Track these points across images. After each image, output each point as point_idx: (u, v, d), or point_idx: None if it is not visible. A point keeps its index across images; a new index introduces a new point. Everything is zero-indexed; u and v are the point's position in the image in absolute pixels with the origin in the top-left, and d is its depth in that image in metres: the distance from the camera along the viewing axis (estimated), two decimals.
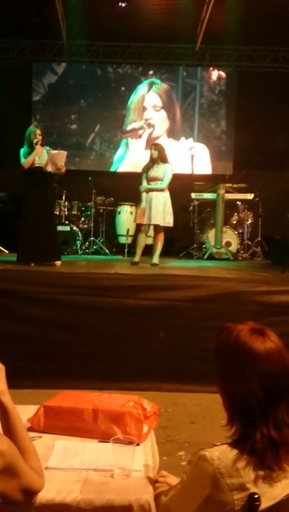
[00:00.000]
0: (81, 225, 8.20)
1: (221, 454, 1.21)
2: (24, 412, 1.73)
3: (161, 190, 5.97)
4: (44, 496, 1.29)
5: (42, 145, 5.59)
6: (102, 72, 9.53)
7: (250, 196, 7.89)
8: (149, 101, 9.46)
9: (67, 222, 7.89)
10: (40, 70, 9.43)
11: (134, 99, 9.47)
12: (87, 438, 1.66)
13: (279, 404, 1.23)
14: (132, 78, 9.53)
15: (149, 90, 9.46)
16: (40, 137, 5.56)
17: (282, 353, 1.26)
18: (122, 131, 9.47)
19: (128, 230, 7.81)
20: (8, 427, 1.29)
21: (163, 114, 9.46)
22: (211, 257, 7.50)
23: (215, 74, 9.52)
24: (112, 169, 9.45)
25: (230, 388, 1.27)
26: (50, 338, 4.15)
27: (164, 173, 5.97)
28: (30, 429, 1.68)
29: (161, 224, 5.98)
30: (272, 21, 7.85)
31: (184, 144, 9.46)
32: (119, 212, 8.12)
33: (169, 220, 6.03)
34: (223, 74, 9.50)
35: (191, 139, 9.48)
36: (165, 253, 8.03)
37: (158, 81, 9.47)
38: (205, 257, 7.50)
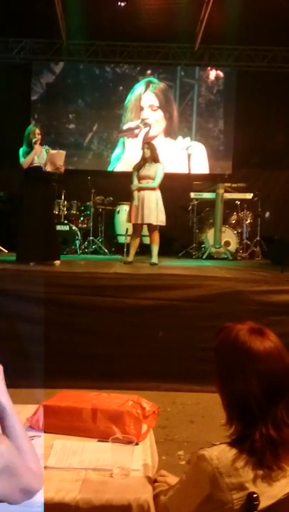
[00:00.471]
0: (80, 225, 8.19)
1: (220, 453, 1.21)
2: (23, 412, 1.73)
3: (153, 189, 6.02)
4: (43, 495, 1.29)
5: (41, 144, 5.58)
6: (100, 71, 9.53)
7: (249, 196, 7.89)
8: (145, 100, 9.46)
9: (66, 221, 7.88)
10: (38, 70, 9.43)
11: (131, 98, 9.47)
12: (86, 437, 1.66)
13: (278, 404, 1.23)
14: (129, 78, 9.53)
15: (146, 90, 9.46)
16: (40, 137, 5.56)
17: (281, 352, 1.26)
18: (118, 130, 9.48)
19: (127, 229, 7.79)
20: (6, 427, 1.29)
21: (160, 113, 9.46)
22: (210, 257, 7.50)
23: (213, 74, 9.52)
24: (110, 169, 9.44)
25: (230, 388, 1.27)
26: (49, 337, 4.14)
27: (156, 172, 6.02)
28: (29, 429, 1.68)
29: (154, 223, 6.02)
30: (272, 21, 7.85)
31: (181, 143, 9.46)
32: (118, 212, 8.12)
33: (161, 219, 6.07)
34: (221, 74, 9.51)
35: (188, 138, 9.48)
36: (164, 253, 8.03)
37: (155, 80, 9.47)
38: (204, 256, 7.51)
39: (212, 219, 7.83)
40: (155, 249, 6.17)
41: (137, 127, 9.42)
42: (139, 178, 6.06)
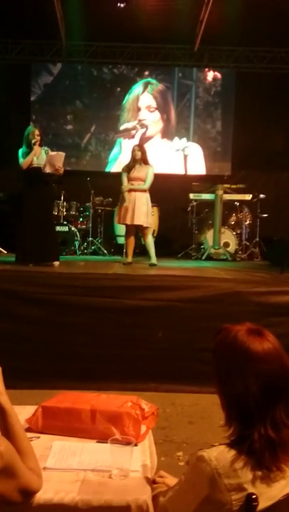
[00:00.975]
0: (79, 226, 8.20)
1: (219, 454, 1.21)
2: (22, 413, 1.73)
3: (144, 190, 6.08)
4: (42, 496, 1.29)
5: (40, 145, 5.59)
6: (98, 72, 9.55)
7: (248, 197, 7.90)
8: (143, 101, 9.47)
9: (65, 222, 7.88)
10: (37, 71, 9.43)
11: (129, 98, 9.49)
12: (85, 438, 1.66)
13: (277, 405, 1.23)
14: (127, 79, 9.55)
15: (144, 91, 9.48)
16: (39, 137, 5.56)
17: (280, 353, 1.27)
18: (115, 131, 9.48)
19: None
20: (6, 428, 1.29)
21: (157, 114, 9.48)
22: (210, 258, 7.51)
23: (210, 75, 9.54)
24: (108, 169, 9.45)
25: (228, 389, 1.27)
26: (48, 338, 4.15)
27: (147, 174, 6.06)
28: (28, 430, 1.68)
29: (145, 225, 6.07)
30: (271, 22, 7.86)
31: (178, 144, 9.47)
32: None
33: (150, 221, 6.21)
34: (218, 75, 9.52)
35: (184, 139, 9.49)
36: (163, 253, 8.05)
37: (154, 81, 9.49)
38: (203, 257, 7.51)
39: (211, 220, 7.83)
40: (152, 249, 6.19)
41: (134, 128, 9.44)
42: (130, 180, 6.09)
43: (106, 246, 8.20)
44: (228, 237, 7.89)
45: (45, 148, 5.67)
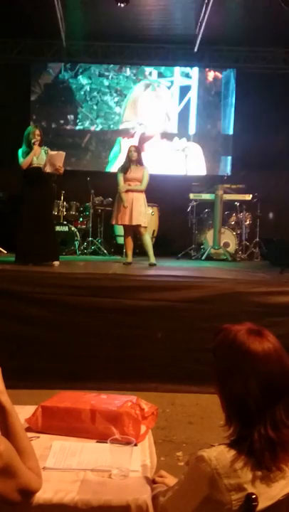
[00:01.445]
0: (79, 226, 8.20)
1: (219, 454, 1.21)
2: (22, 413, 1.73)
3: (141, 191, 6.11)
4: (42, 496, 1.29)
5: (40, 145, 5.58)
6: (99, 72, 9.54)
7: (248, 197, 7.90)
8: (144, 101, 9.47)
9: (65, 222, 7.88)
10: (37, 70, 9.44)
11: (130, 98, 9.49)
12: (85, 438, 1.66)
13: (277, 405, 1.23)
14: (128, 78, 9.55)
15: (145, 90, 9.47)
16: (39, 137, 5.56)
17: (280, 353, 1.27)
18: (114, 130, 9.48)
19: None
20: (6, 427, 1.29)
21: (157, 114, 9.48)
22: (209, 258, 7.51)
23: (211, 75, 9.54)
24: (108, 168, 9.44)
25: (228, 389, 1.27)
26: (47, 338, 4.15)
27: (144, 174, 6.10)
28: (28, 430, 1.67)
29: (143, 225, 6.11)
30: (271, 23, 7.86)
31: (178, 144, 9.47)
32: None
33: (146, 221, 6.25)
34: (219, 75, 9.53)
35: (184, 139, 9.49)
36: (163, 254, 8.05)
37: (155, 81, 9.49)
38: (203, 257, 7.51)
39: (211, 220, 7.84)
40: (151, 249, 6.23)
41: (133, 128, 9.44)
42: (126, 180, 6.11)
43: (106, 246, 8.20)
44: (228, 237, 7.89)
45: (45, 148, 5.67)
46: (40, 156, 5.55)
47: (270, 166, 9.32)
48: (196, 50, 9.19)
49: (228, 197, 7.76)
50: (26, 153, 5.50)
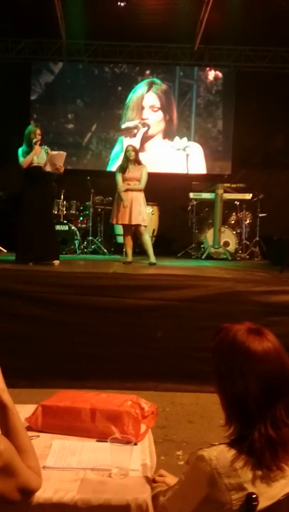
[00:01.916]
0: (79, 225, 8.20)
1: (219, 453, 1.21)
2: (22, 412, 1.72)
3: (140, 190, 6.13)
4: (42, 495, 1.29)
5: (41, 145, 5.58)
6: (99, 71, 9.54)
7: (248, 196, 7.90)
8: (147, 101, 9.47)
9: (65, 221, 7.88)
10: (37, 69, 9.43)
11: (133, 97, 9.48)
12: (85, 437, 1.66)
13: (277, 404, 1.23)
14: (128, 78, 9.55)
15: (148, 90, 9.47)
16: (40, 137, 5.56)
17: (280, 352, 1.26)
18: (117, 129, 9.48)
19: None
20: (7, 425, 1.29)
21: (160, 114, 9.48)
22: (209, 257, 7.51)
23: (212, 74, 9.53)
24: (109, 167, 9.43)
25: (228, 388, 1.27)
26: (48, 337, 4.15)
27: (142, 174, 6.12)
28: (28, 429, 1.67)
29: (143, 224, 6.13)
30: (271, 21, 7.85)
31: (179, 143, 9.47)
32: None
33: (146, 220, 6.29)
34: (219, 74, 9.52)
35: (185, 139, 9.49)
36: (163, 253, 8.05)
37: (158, 81, 9.48)
38: (203, 256, 7.51)
39: (211, 219, 7.83)
40: (150, 249, 6.25)
41: (136, 127, 9.43)
42: (125, 180, 6.13)
43: (106, 245, 8.20)
44: (228, 236, 7.89)
45: (45, 147, 5.67)
46: (40, 156, 5.55)
47: (270, 165, 9.33)
48: (196, 49, 9.19)
49: (228, 196, 7.76)
50: (27, 153, 5.50)
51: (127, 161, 6.19)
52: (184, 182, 8.47)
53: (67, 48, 9.26)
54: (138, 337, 4.16)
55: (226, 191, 7.67)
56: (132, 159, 6.15)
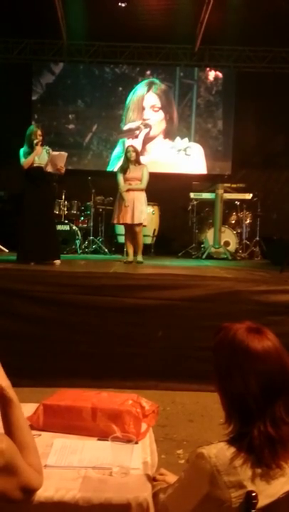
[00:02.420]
0: (80, 225, 8.21)
1: (219, 451, 1.22)
2: (23, 411, 1.73)
3: (142, 190, 6.17)
4: (43, 493, 1.30)
5: (42, 145, 5.59)
6: (100, 72, 9.54)
7: (248, 196, 7.90)
8: (148, 101, 9.47)
9: (66, 221, 7.89)
10: (38, 70, 9.43)
11: (133, 98, 9.48)
12: (86, 436, 1.66)
13: (276, 402, 1.24)
14: (129, 78, 9.55)
15: (148, 90, 9.47)
16: (41, 138, 5.57)
17: (280, 351, 1.27)
18: (118, 130, 9.48)
19: None
20: (11, 421, 1.30)
21: (161, 114, 9.48)
22: (210, 257, 7.51)
23: (212, 74, 9.53)
24: (109, 168, 9.44)
25: (228, 386, 1.28)
26: (49, 336, 4.16)
27: (143, 173, 6.15)
28: (30, 428, 1.68)
29: (144, 223, 6.22)
30: (272, 22, 7.86)
31: (179, 143, 9.47)
32: None
33: (147, 219, 6.39)
34: (220, 74, 9.52)
35: (186, 139, 9.49)
36: (164, 252, 8.07)
37: (157, 81, 9.48)
38: (203, 256, 7.51)
39: (212, 219, 7.83)
40: (141, 248, 6.35)
41: (138, 128, 9.43)
42: (126, 180, 6.16)
43: (107, 245, 8.21)
44: (229, 236, 7.89)
45: (47, 147, 5.69)
46: (41, 156, 5.56)
47: (270, 165, 9.33)
48: (196, 49, 9.19)
49: (228, 196, 7.76)
50: (28, 154, 5.51)
51: (127, 161, 6.22)
52: (185, 182, 8.48)
53: (68, 48, 9.27)
54: (139, 336, 4.17)
55: (226, 191, 7.68)
56: (132, 159, 6.18)
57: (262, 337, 1.27)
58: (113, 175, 9.28)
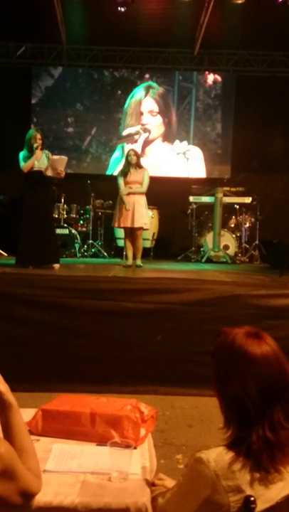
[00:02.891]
0: (80, 228, 8.21)
1: (217, 456, 1.22)
2: (22, 416, 1.73)
3: (142, 193, 6.21)
4: (42, 499, 1.29)
5: (41, 149, 5.60)
6: (99, 75, 9.57)
7: (248, 200, 7.92)
8: (146, 106, 9.49)
9: (65, 225, 7.90)
10: (38, 73, 9.46)
11: (130, 103, 9.50)
12: (85, 441, 1.66)
13: (275, 406, 1.24)
14: (128, 82, 9.57)
15: (146, 95, 9.49)
16: (40, 142, 5.58)
17: (278, 355, 1.28)
18: (118, 136, 9.50)
19: None
20: (10, 425, 1.30)
21: (159, 118, 9.50)
22: (209, 261, 7.52)
23: (211, 78, 9.55)
24: (108, 172, 9.46)
25: (227, 391, 1.28)
26: (47, 341, 4.16)
27: (144, 177, 6.19)
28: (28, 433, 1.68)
29: (145, 227, 6.24)
30: (271, 26, 7.89)
31: (179, 146, 9.49)
32: None
33: (148, 223, 6.39)
34: (219, 78, 9.54)
35: (185, 142, 9.50)
36: (163, 256, 8.07)
37: (155, 85, 9.50)
38: (203, 260, 7.52)
39: (211, 223, 7.85)
40: (140, 252, 6.36)
41: (137, 133, 9.45)
42: (127, 183, 6.19)
43: (106, 248, 8.21)
44: (228, 239, 7.90)
45: (46, 151, 5.70)
46: (41, 160, 5.57)
47: (269, 169, 9.35)
48: (195, 53, 9.22)
49: (227, 200, 7.78)
50: (27, 158, 5.51)
51: (128, 165, 6.25)
52: (184, 186, 8.49)
53: (68, 52, 9.29)
54: (138, 340, 4.17)
55: (225, 195, 7.69)
56: (133, 163, 6.21)
57: (261, 341, 1.28)
58: (112, 178, 9.31)
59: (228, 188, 7.92)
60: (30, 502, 1.28)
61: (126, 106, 9.49)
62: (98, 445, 1.63)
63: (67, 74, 9.53)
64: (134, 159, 6.21)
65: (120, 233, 7.94)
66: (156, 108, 9.48)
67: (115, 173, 9.31)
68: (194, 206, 8.05)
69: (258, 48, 9.02)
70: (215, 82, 9.56)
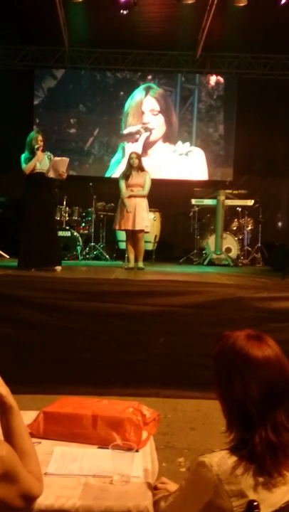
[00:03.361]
0: (82, 231, 8.21)
1: (220, 460, 1.21)
2: (23, 418, 1.72)
3: (144, 196, 6.22)
4: (43, 502, 1.29)
5: (43, 150, 5.61)
6: (101, 77, 9.58)
7: (250, 202, 7.91)
8: (146, 105, 9.49)
9: (67, 227, 7.90)
10: (40, 75, 9.48)
11: (131, 103, 9.50)
12: (87, 444, 1.66)
13: (277, 408, 1.23)
14: (130, 83, 9.58)
15: (146, 94, 9.50)
16: (42, 143, 5.58)
17: (280, 358, 1.27)
18: (119, 135, 9.51)
19: None
20: (11, 427, 1.29)
21: (160, 118, 9.50)
22: (211, 263, 7.51)
23: (213, 79, 9.56)
24: (109, 173, 9.46)
25: (229, 393, 1.28)
26: (49, 343, 4.15)
27: (146, 180, 6.20)
28: (30, 435, 1.67)
29: (146, 230, 6.25)
30: (273, 29, 7.89)
31: (181, 148, 9.49)
32: None
33: (149, 225, 6.42)
34: (221, 79, 9.54)
35: (187, 143, 9.51)
36: (165, 258, 8.07)
37: (154, 85, 9.51)
38: (205, 262, 7.51)
39: (213, 225, 7.84)
40: (142, 254, 6.37)
41: (138, 132, 9.45)
42: (128, 186, 6.20)
43: (108, 251, 8.21)
44: (230, 242, 7.89)
45: (48, 153, 5.70)
46: (43, 162, 5.57)
47: (271, 172, 9.35)
48: (198, 56, 9.24)
49: (230, 202, 7.78)
50: (29, 159, 5.52)
51: (130, 167, 6.25)
52: (186, 188, 8.49)
53: (70, 55, 9.32)
54: (140, 343, 4.16)
55: (227, 197, 7.69)
56: (135, 166, 6.22)
57: (262, 344, 1.27)
58: (114, 181, 9.30)
59: (230, 191, 7.92)
60: (31, 505, 1.27)
61: (126, 107, 9.48)
62: (100, 448, 1.62)
63: (69, 75, 9.55)
64: (136, 162, 6.22)
65: (122, 236, 7.95)
66: (157, 107, 9.48)
67: (115, 175, 9.37)
68: (196, 209, 8.05)
69: (260, 50, 9.03)
70: (217, 83, 9.57)
